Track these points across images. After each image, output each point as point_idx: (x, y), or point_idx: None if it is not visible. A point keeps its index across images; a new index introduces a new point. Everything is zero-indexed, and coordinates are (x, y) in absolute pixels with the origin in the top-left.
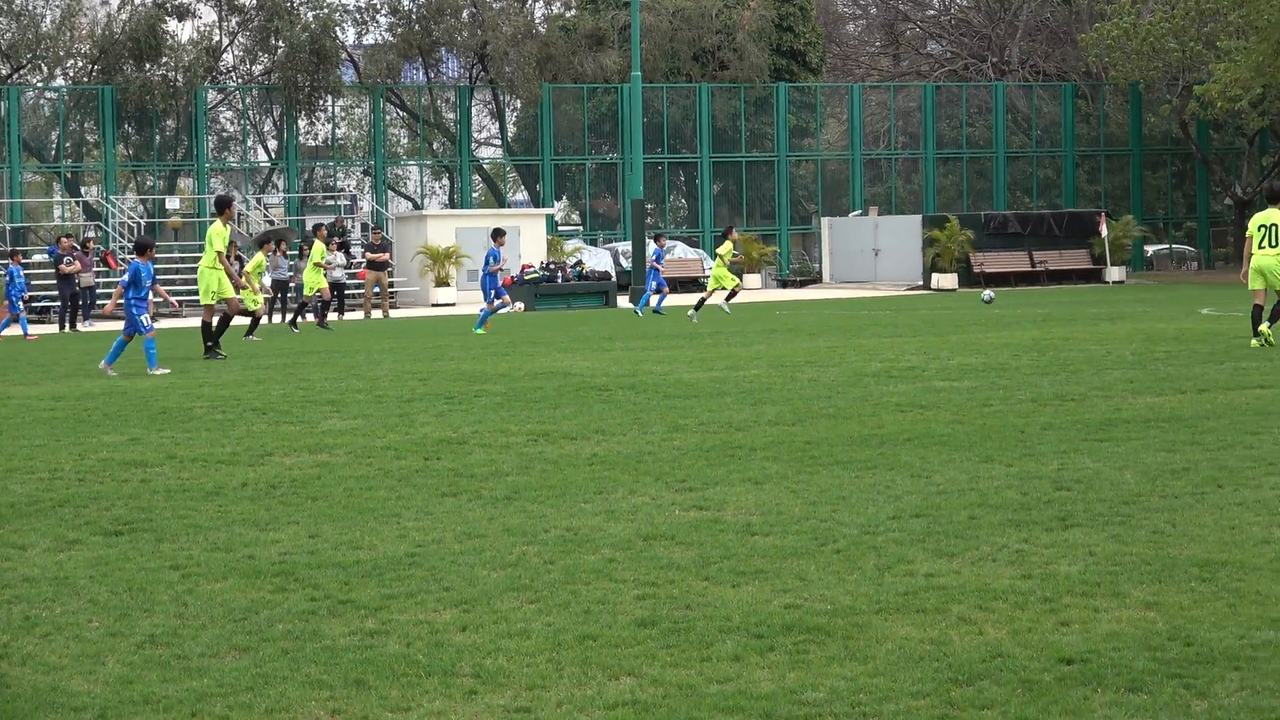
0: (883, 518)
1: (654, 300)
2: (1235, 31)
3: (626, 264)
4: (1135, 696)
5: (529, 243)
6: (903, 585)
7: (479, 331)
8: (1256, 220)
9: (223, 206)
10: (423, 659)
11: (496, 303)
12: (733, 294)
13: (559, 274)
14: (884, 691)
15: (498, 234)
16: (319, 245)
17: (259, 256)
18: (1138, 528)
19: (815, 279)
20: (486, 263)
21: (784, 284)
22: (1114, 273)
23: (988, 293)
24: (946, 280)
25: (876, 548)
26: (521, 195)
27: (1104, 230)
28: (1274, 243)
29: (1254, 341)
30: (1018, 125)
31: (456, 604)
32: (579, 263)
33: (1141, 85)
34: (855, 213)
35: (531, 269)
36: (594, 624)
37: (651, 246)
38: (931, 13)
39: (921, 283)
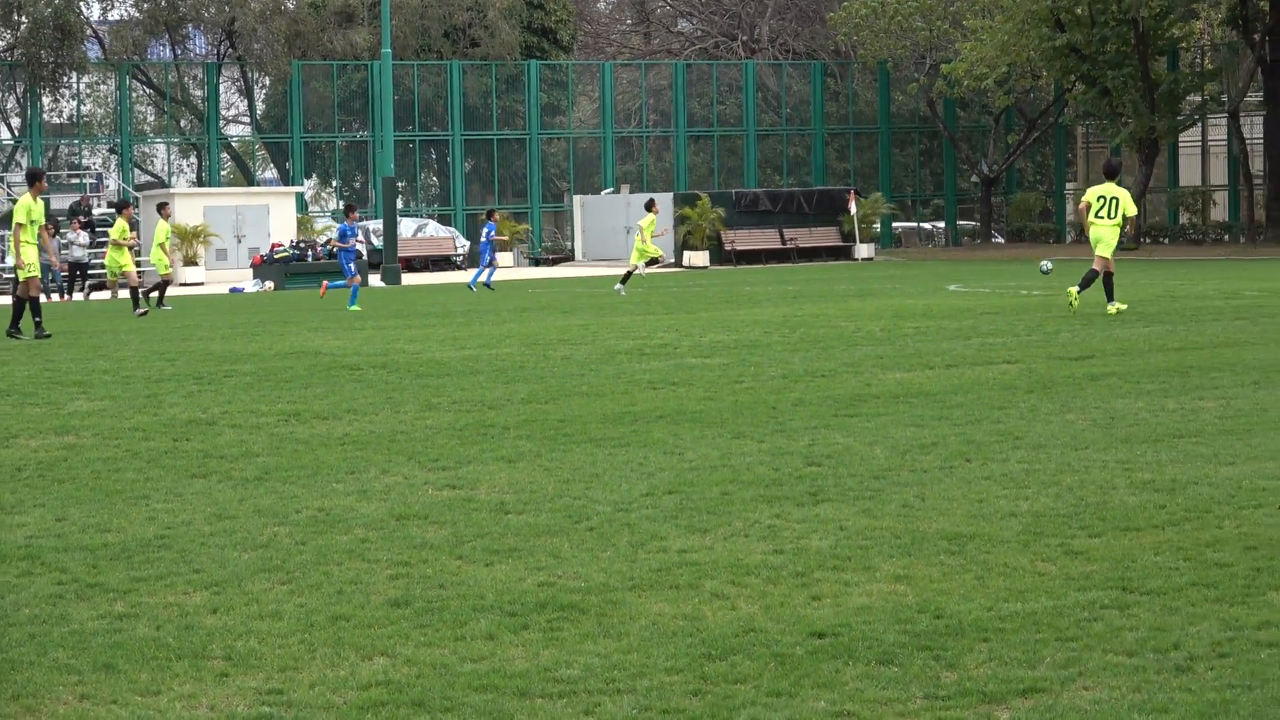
0: (636, 495)
1: (485, 275)
2: (981, 11)
3: (377, 242)
4: (886, 669)
5: (279, 221)
6: (656, 561)
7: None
8: (1095, 191)
9: (33, 179)
10: (173, 642)
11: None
12: (653, 262)
13: (309, 253)
14: (638, 667)
15: (349, 210)
16: (121, 223)
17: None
18: (887, 502)
19: (568, 257)
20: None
21: (536, 262)
22: (863, 250)
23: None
24: (698, 258)
25: (630, 525)
26: (271, 173)
27: (853, 208)
28: (1112, 214)
29: (1110, 308)
30: (768, 103)
31: (207, 586)
32: (329, 241)
33: (890, 64)
34: (607, 191)
35: (281, 247)
36: (347, 604)
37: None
38: None
39: (673, 260)
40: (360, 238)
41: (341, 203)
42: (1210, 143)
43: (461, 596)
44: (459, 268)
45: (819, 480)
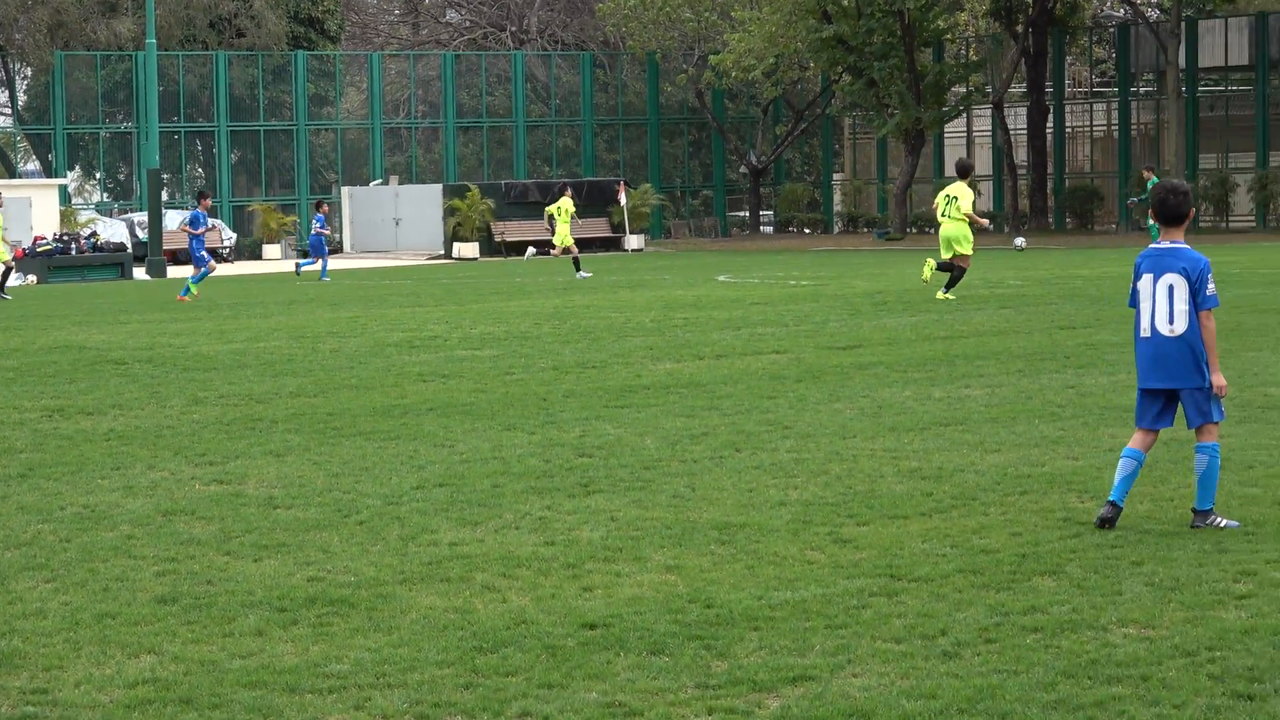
0: (406, 488)
1: (317, 265)
2: (749, 2)
3: (143, 235)
4: (657, 659)
5: (41, 214)
6: (427, 555)
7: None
8: (942, 193)
9: None
10: None
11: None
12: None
13: (73, 246)
14: (409, 661)
15: (201, 196)
16: None
17: None
18: (658, 492)
19: (336, 249)
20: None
21: (304, 254)
22: (633, 241)
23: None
24: (468, 249)
25: (400, 518)
26: (33, 165)
27: (623, 199)
28: (955, 213)
29: (942, 295)
30: (537, 94)
31: None
32: (94, 234)
33: (658, 55)
34: (376, 182)
35: (44, 241)
36: (113, 602)
37: (315, 213)
38: None
39: (443, 252)
40: (208, 225)
41: (104, 196)
42: (975, 133)
43: (230, 592)
44: (226, 260)
45: (590, 471)
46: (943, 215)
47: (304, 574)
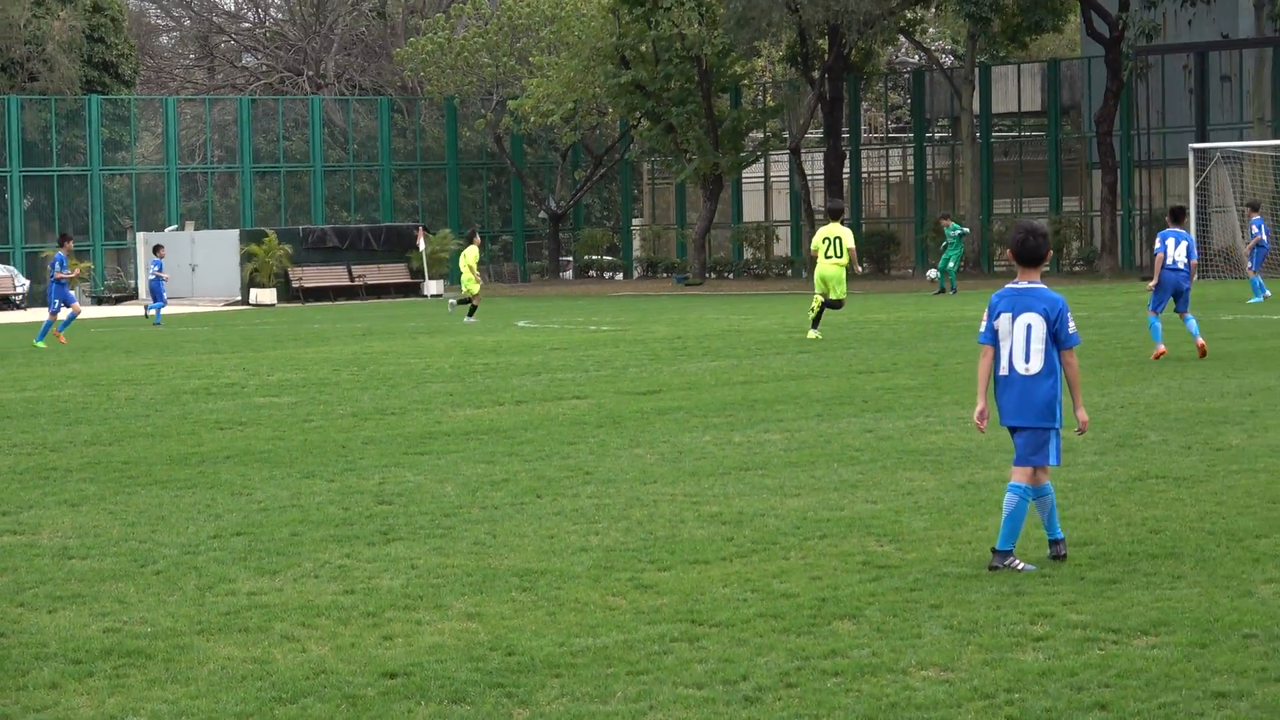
0: (204, 537)
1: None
2: (547, 47)
3: None
4: (458, 707)
5: None
6: (225, 605)
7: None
8: (820, 234)
9: None
10: None
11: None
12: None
13: None
14: (206, 712)
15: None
16: None
17: None
18: (459, 539)
19: (132, 295)
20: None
21: (99, 300)
22: (432, 286)
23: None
24: (265, 295)
25: (197, 568)
26: None
27: (422, 244)
28: (838, 254)
29: (811, 333)
30: (335, 139)
31: None
32: (57, 273)
33: (457, 100)
34: (171, 228)
35: None
36: None
37: (151, 258)
38: (246, 26)
39: (240, 298)
40: (66, 269)
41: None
42: (773, 179)
43: (23, 645)
44: (19, 307)
45: (390, 519)
46: (825, 256)
47: (100, 625)
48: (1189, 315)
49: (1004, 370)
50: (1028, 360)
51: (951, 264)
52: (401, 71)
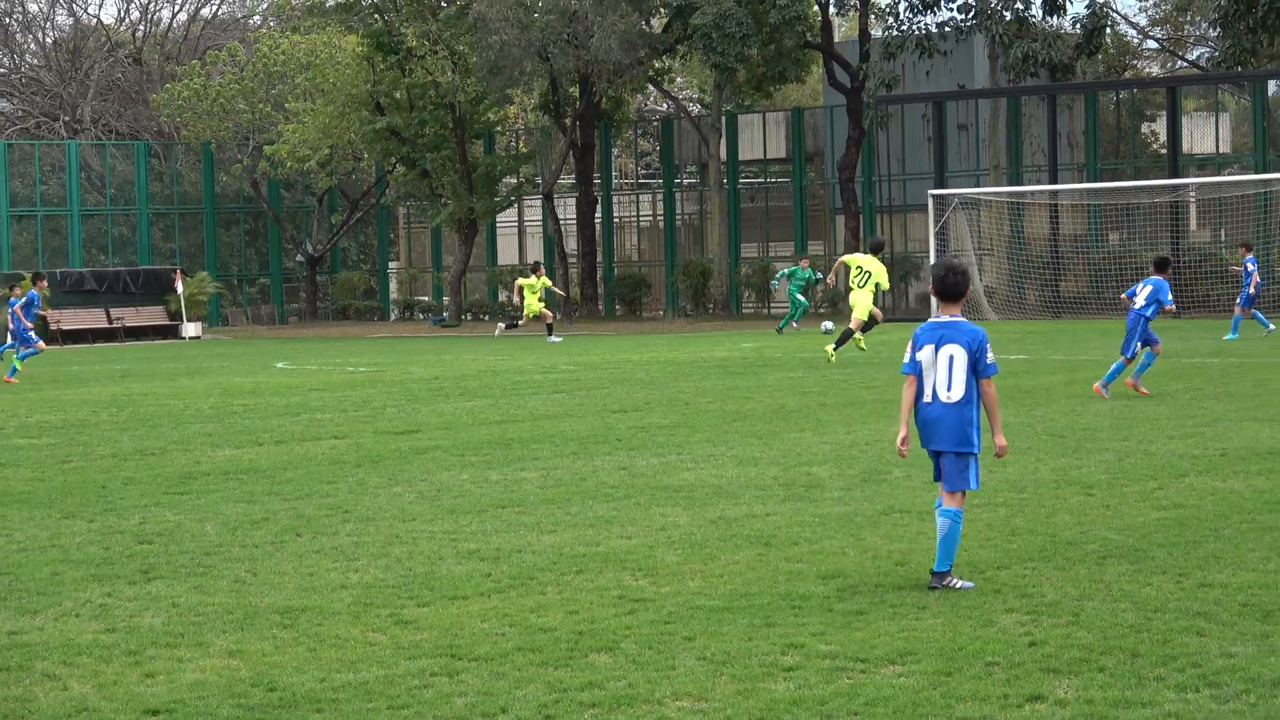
0: None
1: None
2: (302, 94)
3: None
4: None
5: None
6: None
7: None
8: (856, 260)
9: None
10: None
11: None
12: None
13: None
14: None
15: (37, 278)
16: None
17: None
18: (219, 578)
19: None
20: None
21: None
22: (191, 328)
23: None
24: None
25: None
26: None
27: (179, 287)
28: (860, 285)
29: (832, 355)
30: (92, 183)
31: None
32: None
33: (213, 145)
34: None
35: None
36: None
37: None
38: (2, 71)
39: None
40: (39, 307)
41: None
42: (526, 223)
43: None
44: None
45: (150, 558)
46: (856, 284)
47: None
48: (1126, 357)
49: (928, 398)
50: (950, 389)
51: (803, 298)
52: (158, 117)
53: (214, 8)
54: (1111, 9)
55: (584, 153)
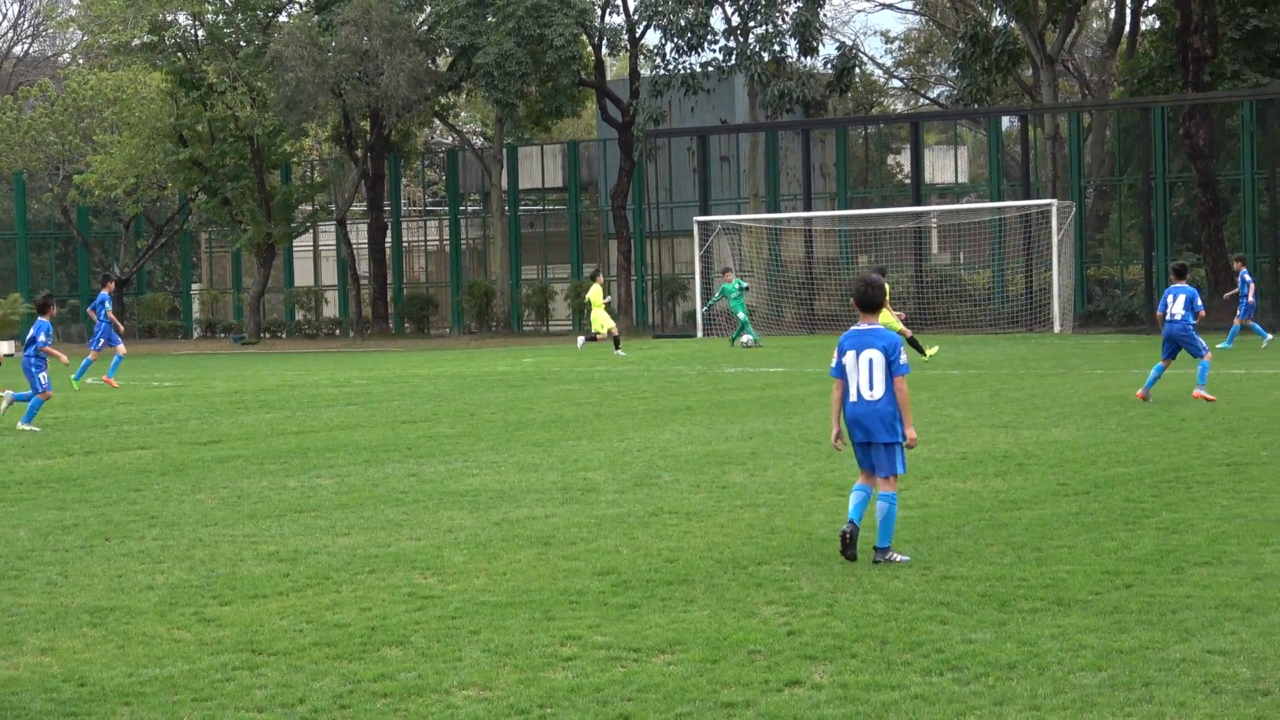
0: None
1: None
2: (110, 127)
3: None
4: None
5: None
6: None
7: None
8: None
9: None
10: None
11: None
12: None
13: None
14: None
15: (106, 280)
16: None
17: None
18: (32, 580)
19: None
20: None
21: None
22: (3, 346)
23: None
24: None
25: None
26: None
27: None
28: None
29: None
30: None
31: None
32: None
33: (25, 174)
34: None
35: None
36: None
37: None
38: None
39: None
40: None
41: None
42: (321, 247)
43: None
44: None
45: None
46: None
47: None
48: (1203, 361)
49: (854, 398)
50: (872, 388)
51: (742, 314)
52: None
53: (25, 46)
54: (860, 51)
55: (375, 182)
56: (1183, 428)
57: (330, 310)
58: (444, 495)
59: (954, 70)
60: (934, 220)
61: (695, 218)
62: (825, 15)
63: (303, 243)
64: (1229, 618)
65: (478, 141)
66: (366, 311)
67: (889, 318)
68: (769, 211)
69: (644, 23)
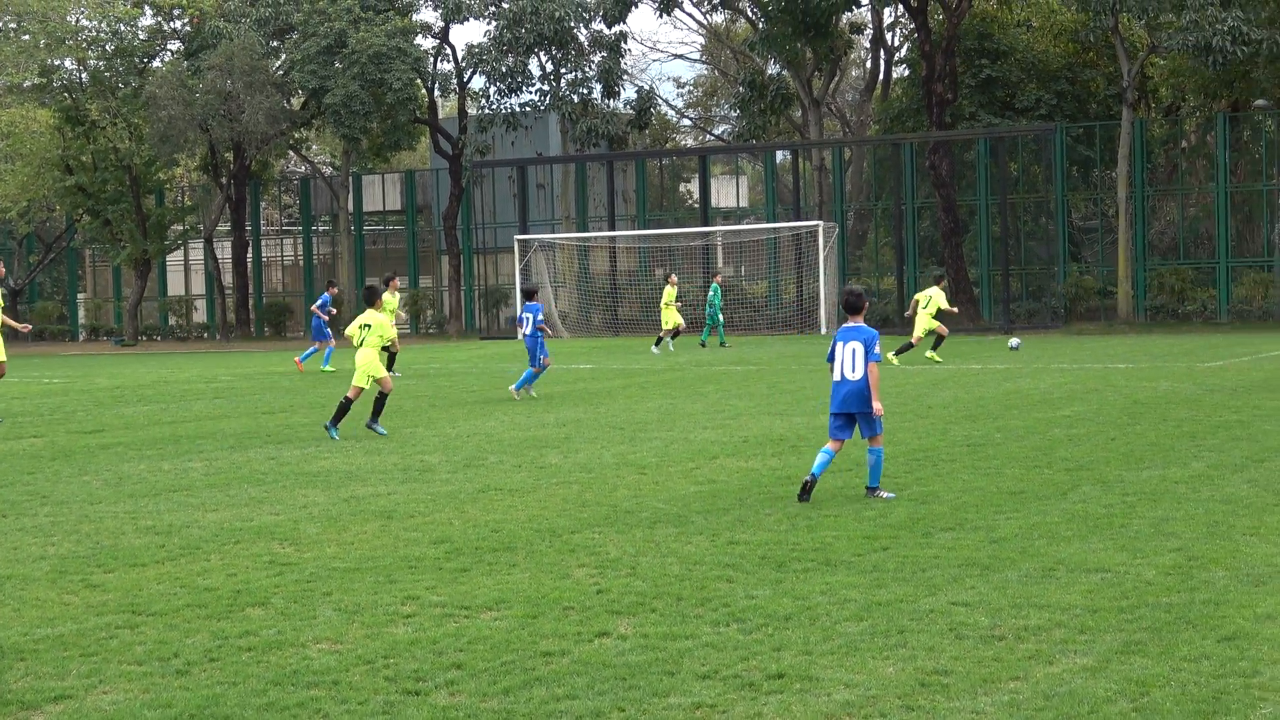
0: None
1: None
2: (3, 158)
3: None
4: None
5: None
6: None
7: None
8: (927, 294)
9: None
10: None
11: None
12: (675, 332)
13: None
14: None
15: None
16: None
17: None
18: None
19: None
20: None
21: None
22: None
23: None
24: None
25: None
26: None
27: None
28: (923, 307)
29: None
30: None
31: None
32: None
33: None
34: None
35: None
36: None
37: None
38: None
39: None
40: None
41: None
42: (191, 261)
43: None
44: None
45: None
46: (923, 308)
47: None
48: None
49: (838, 377)
50: (854, 371)
51: (720, 317)
52: None
53: None
54: (656, 94)
55: (237, 205)
56: (930, 414)
57: (199, 316)
58: (300, 476)
59: (735, 111)
60: (720, 239)
61: (516, 236)
62: (626, 64)
63: (175, 258)
64: (970, 575)
65: (327, 170)
66: (231, 317)
67: (922, 319)
68: (579, 231)
69: (471, 69)
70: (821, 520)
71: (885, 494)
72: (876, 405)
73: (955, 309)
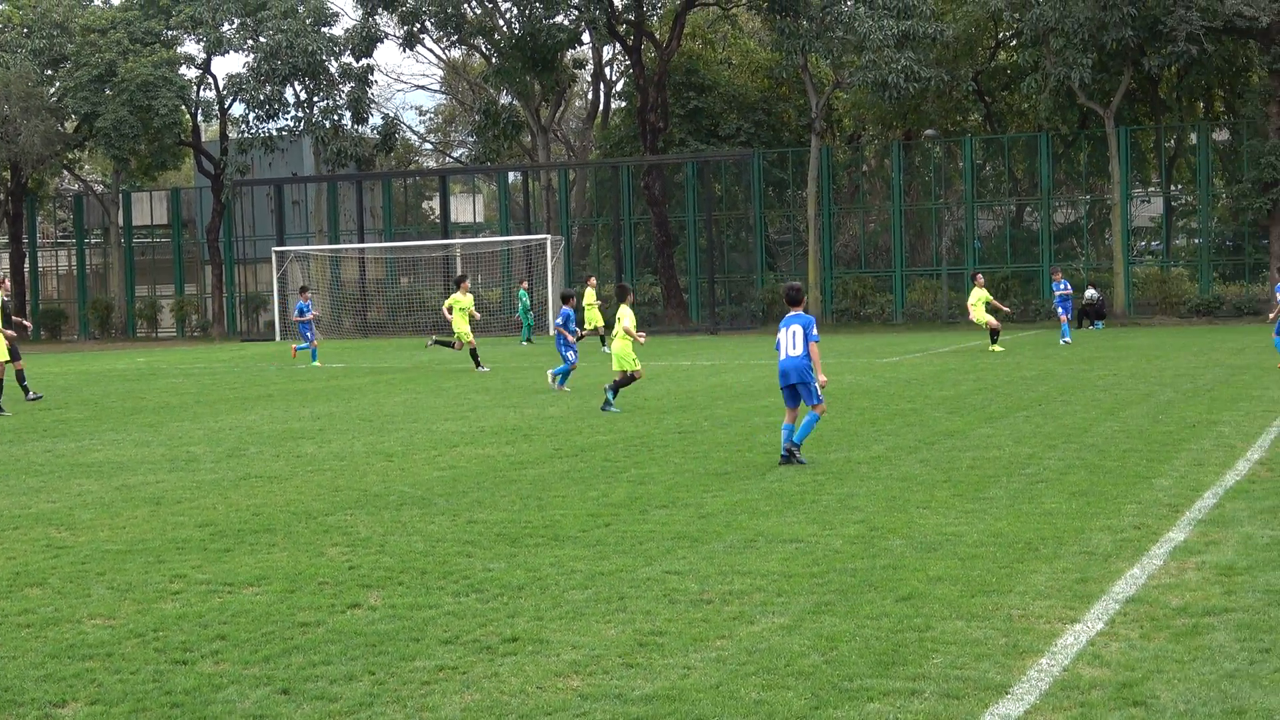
0: None
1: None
2: None
3: None
4: None
5: None
6: None
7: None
8: (982, 295)
9: None
10: None
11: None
12: (595, 330)
13: None
14: None
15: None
16: None
17: None
18: None
19: None
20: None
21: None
22: None
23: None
24: None
25: None
26: None
27: None
28: (972, 304)
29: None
30: None
31: None
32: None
33: None
34: None
35: None
36: None
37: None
38: None
39: None
40: (313, 312)
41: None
42: None
43: None
44: None
45: None
46: (971, 305)
47: None
48: None
49: (783, 355)
50: (794, 348)
51: (532, 319)
52: None
53: None
54: (400, 120)
55: (15, 219)
56: (646, 405)
57: None
58: (74, 467)
59: (472, 136)
60: (459, 250)
61: (273, 248)
62: (373, 93)
63: None
64: (681, 547)
65: (99, 188)
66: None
67: (978, 312)
68: (331, 243)
69: (231, 97)
70: (550, 500)
71: (801, 459)
72: (820, 378)
73: (1001, 305)
